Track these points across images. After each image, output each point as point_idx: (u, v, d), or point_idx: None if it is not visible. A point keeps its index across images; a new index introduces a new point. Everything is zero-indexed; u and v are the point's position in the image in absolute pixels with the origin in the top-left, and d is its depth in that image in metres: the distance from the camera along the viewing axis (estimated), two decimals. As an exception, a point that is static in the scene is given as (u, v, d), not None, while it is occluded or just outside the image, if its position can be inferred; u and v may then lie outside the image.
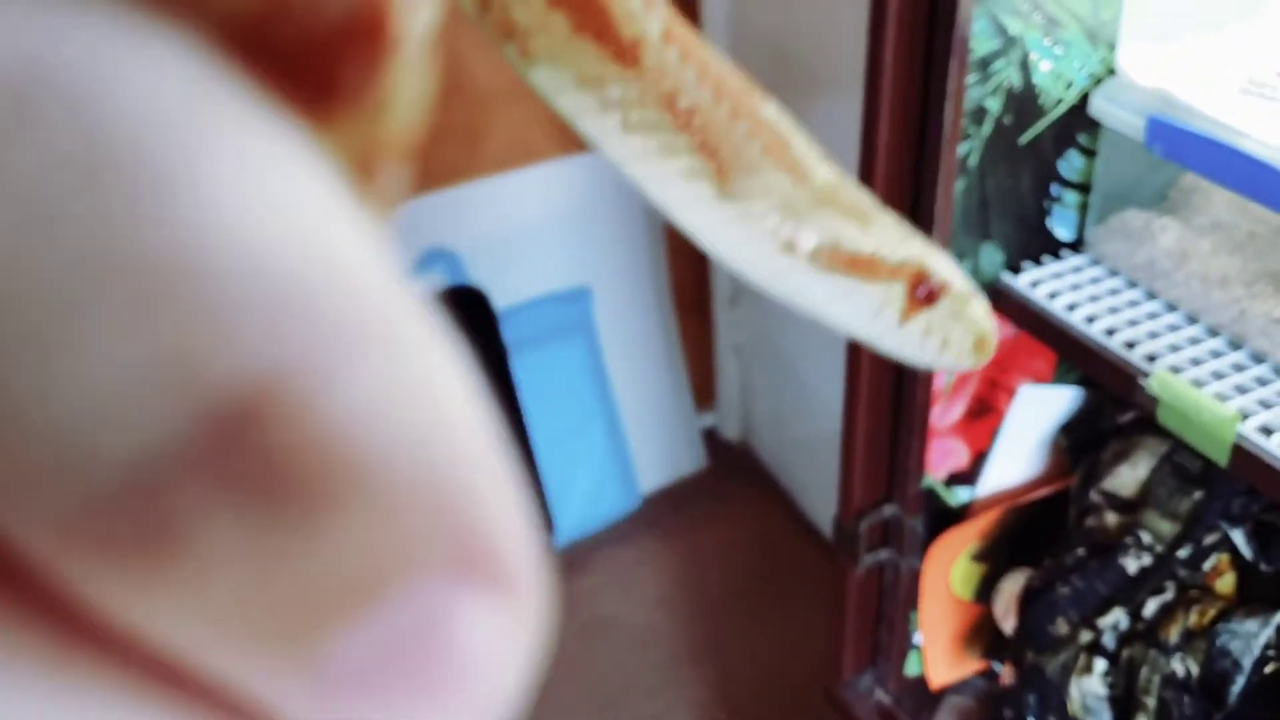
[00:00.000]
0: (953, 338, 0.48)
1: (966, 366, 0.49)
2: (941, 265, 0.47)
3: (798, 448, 2.36)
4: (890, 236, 0.46)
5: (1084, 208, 1.31)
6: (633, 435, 2.39)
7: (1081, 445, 1.40)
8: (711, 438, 2.60)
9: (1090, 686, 1.31)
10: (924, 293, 0.46)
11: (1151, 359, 1.16)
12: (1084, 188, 1.30)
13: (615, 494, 2.37)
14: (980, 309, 0.48)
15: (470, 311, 2.12)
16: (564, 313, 2.27)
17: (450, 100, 2.03)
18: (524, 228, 2.20)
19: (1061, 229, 1.31)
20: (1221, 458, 1.11)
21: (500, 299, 2.17)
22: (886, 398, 1.34)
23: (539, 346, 2.23)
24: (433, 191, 2.11)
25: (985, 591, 1.46)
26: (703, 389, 2.56)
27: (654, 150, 0.41)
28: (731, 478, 2.51)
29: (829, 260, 0.44)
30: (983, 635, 1.49)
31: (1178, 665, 1.25)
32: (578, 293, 2.28)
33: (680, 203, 0.43)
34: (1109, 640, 1.30)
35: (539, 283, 2.24)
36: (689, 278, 2.45)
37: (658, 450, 2.44)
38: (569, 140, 2.17)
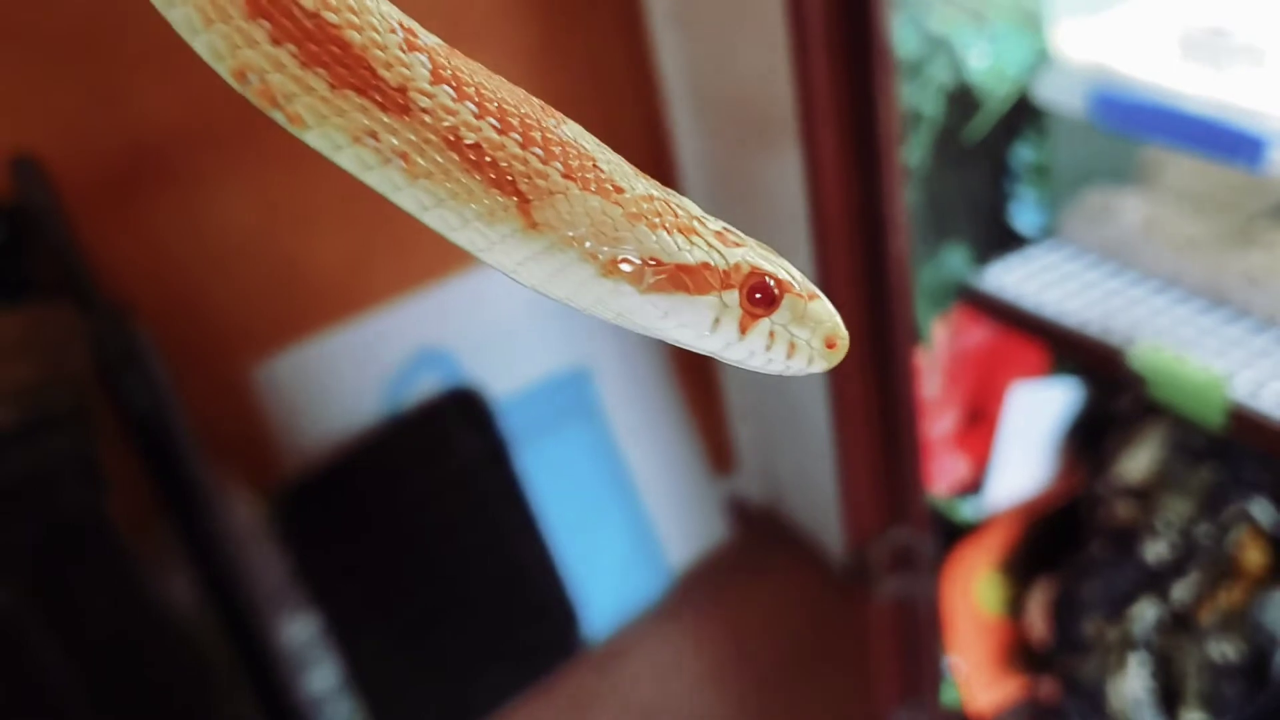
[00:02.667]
0: (800, 341, 0.47)
1: (821, 368, 0.48)
2: (775, 266, 0.46)
3: (826, 502, 2.37)
4: (717, 244, 0.45)
5: (1046, 196, 1.34)
6: (653, 513, 2.40)
7: (1087, 438, 1.41)
8: (735, 504, 2.60)
9: (1129, 685, 1.30)
10: (761, 298, 0.46)
11: (1132, 335, 1.18)
12: (1043, 175, 1.33)
13: (643, 577, 2.38)
14: (824, 306, 0.47)
15: (467, 411, 2.16)
16: (565, 395, 2.30)
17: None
18: (513, 315, 2.24)
19: (1025, 220, 1.34)
20: (1217, 422, 1.12)
21: (498, 389, 2.20)
22: (875, 415, 1.36)
23: (544, 434, 2.26)
24: (417, 291, 2.16)
25: (1017, 604, 1.46)
26: (719, 454, 2.58)
27: (447, 195, 0.41)
28: (760, 543, 2.52)
29: (654, 278, 0.44)
30: (1019, 651, 1.49)
31: (1214, 650, 1.25)
32: (576, 373, 2.32)
33: (488, 245, 0.43)
34: (1140, 633, 1.30)
35: (536, 368, 2.28)
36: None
37: (681, 525, 2.45)
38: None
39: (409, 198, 0.41)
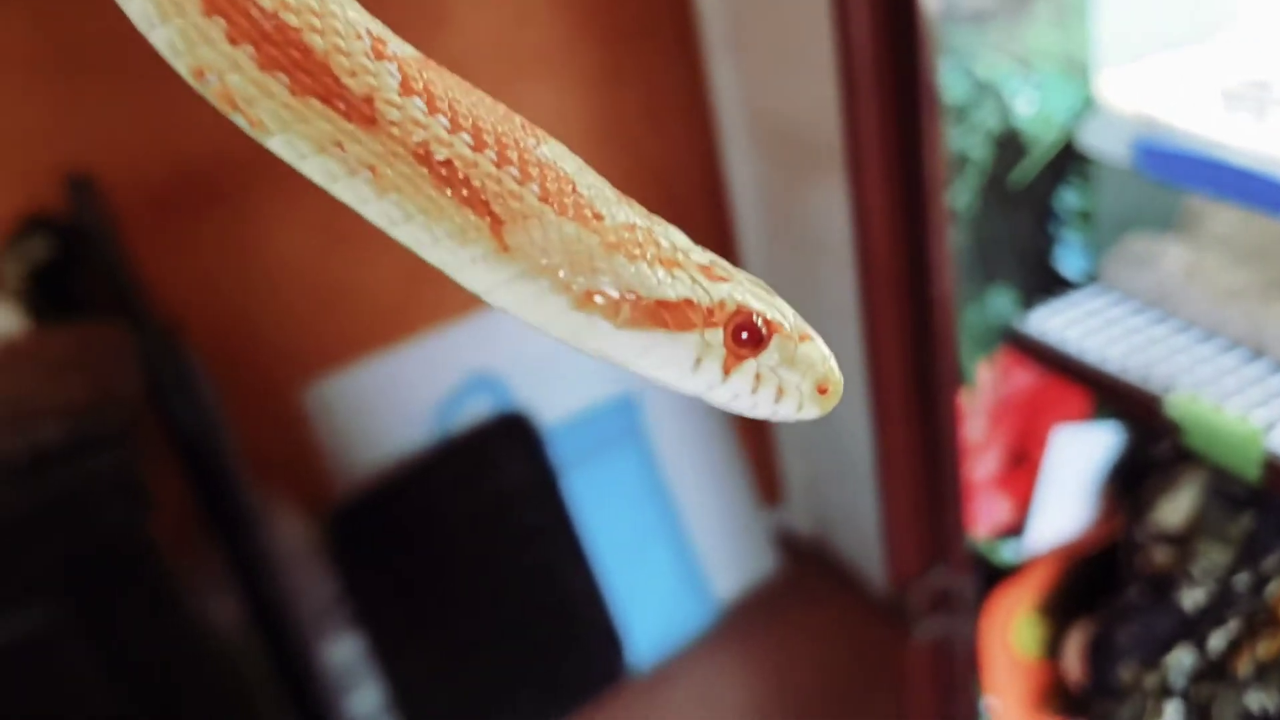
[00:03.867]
0: (789, 385, 0.45)
1: (813, 414, 0.46)
2: (765, 304, 0.45)
3: (873, 536, 2.40)
4: (702, 278, 0.44)
5: (1091, 241, 1.38)
6: (700, 543, 2.45)
7: (1128, 483, 1.45)
8: (782, 535, 2.64)
9: (1166, 732, 1.34)
10: (748, 337, 0.44)
11: (1170, 383, 1.22)
12: (1088, 221, 1.37)
13: (689, 607, 2.43)
14: (816, 349, 0.46)
15: (517, 436, 2.21)
16: (613, 423, 2.35)
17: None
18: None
19: (1070, 265, 1.38)
20: (1253, 474, 1.16)
21: (548, 415, 2.26)
22: (918, 457, 1.41)
23: (591, 461, 2.31)
24: (468, 316, 2.22)
25: (1054, 647, 1.50)
26: (768, 485, 2.62)
27: (417, 210, 0.40)
28: (807, 575, 2.56)
29: (631, 312, 0.42)
30: (1056, 694, 1.53)
31: (1253, 700, 1.29)
32: (625, 401, 2.37)
33: (459, 266, 0.42)
34: (1176, 681, 1.34)
35: (585, 395, 2.34)
36: (736, 370, 2.51)
37: (728, 555, 2.50)
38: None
39: (378, 211, 0.40)
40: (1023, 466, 1.45)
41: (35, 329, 1.68)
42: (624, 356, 0.44)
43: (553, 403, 2.29)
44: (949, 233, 1.28)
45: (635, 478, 2.38)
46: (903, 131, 1.26)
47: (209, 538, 1.85)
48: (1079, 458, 1.45)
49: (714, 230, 2.42)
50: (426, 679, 2.15)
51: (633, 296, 0.42)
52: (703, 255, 0.45)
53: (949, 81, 1.23)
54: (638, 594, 2.36)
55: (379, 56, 0.39)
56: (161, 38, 0.37)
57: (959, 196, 1.28)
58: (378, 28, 0.40)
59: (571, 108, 2.21)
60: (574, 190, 0.42)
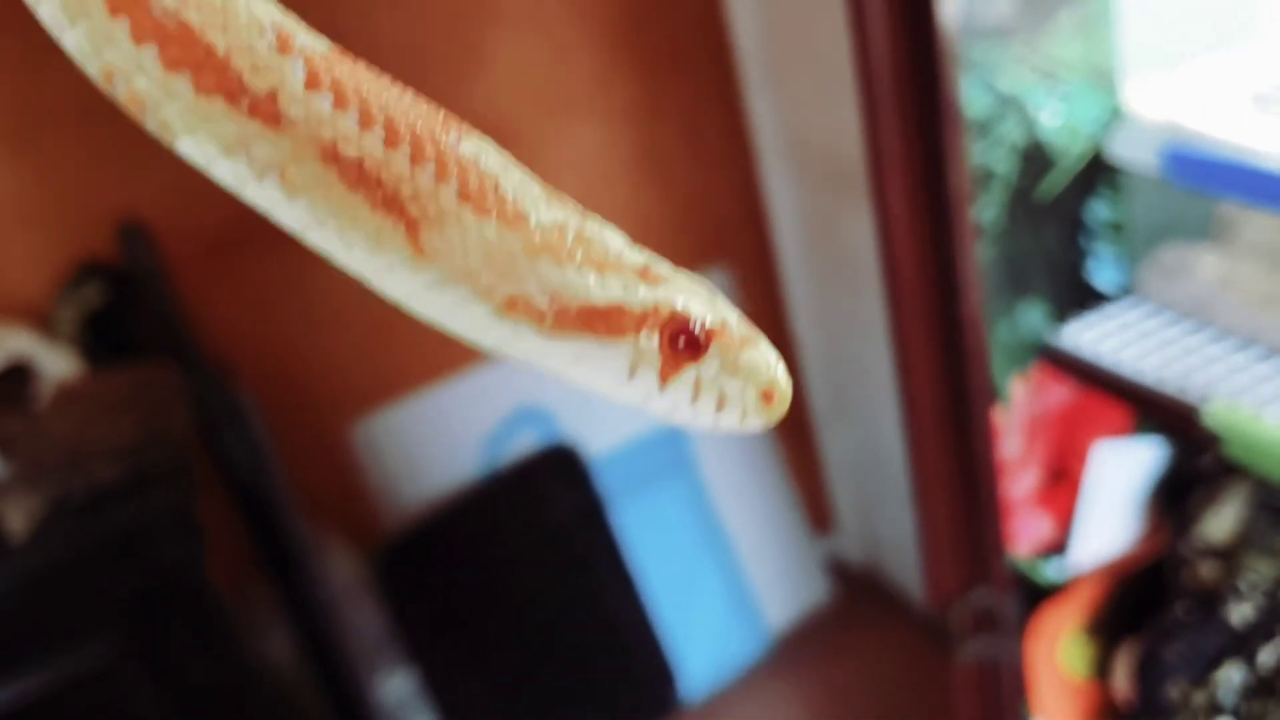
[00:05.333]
0: (730, 393, 0.42)
1: (757, 425, 0.43)
2: (705, 308, 0.42)
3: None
4: (636, 281, 0.41)
5: (1124, 253, 1.36)
6: (751, 573, 2.43)
7: (1172, 498, 1.42)
8: (834, 564, 2.61)
9: (1216, 751, 1.30)
10: (685, 344, 0.41)
11: (1208, 393, 1.19)
12: (1120, 232, 1.35)
13: (741, 637, 2.40)
14: (761, 354, 0.43)
15: (564, 468, 2.21)
16: (661, 453, 2.34)
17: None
18: (609, 372, 2.29)
19: (1103, 277, 1.36)
20: (1295, 483, 1.13)
21: (595, 447, 2.25)
22: (954, 475, 1.38)
23: (640, 492, 2.30)
24: (515, 350, 2.22)
25: (1103, 666, 1.46)
26: (818, 513, 2.59)
27: (329, 214, 0.38)
28: (860, 603, 2.53)
29: (557, 319, 0.40)
30: (1106, 714, 1.49)
31: (1306, 716, 1.25)
32: (672, 431, 2.36)
33: (374, 272, 0.40)
34: (1226, 698, 1.30)
35: (632, 426, 2.32)
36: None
37: (779, 585, 2.47)
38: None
39: (290, 216, 0.38)
40: (1062, 483, 1.42)
41: (90, 372, 1.70)
42: (554, 366, 0.41)
43: (600, 434, 2.28)
44: (976, 248, 1.26)
45: (684, 508, 2.36)
46: (925, 147, 1.24)
47: (262, 574, 1.86)
48: (1121, 473, 1.42)
49: (756, 258, 2.41)
50: (479, 713, 2.14)
51: (559, 302, 0.40)
52: (638, 256, 0.42)
53: (971, 95, 1.22)
54: (689, 625, 2.34)
55: (285, 51, 0.37)
56: (71, 41, 0.37)
57: (985, 211, 1.26)
58: (286, 21, 0.38)
59: (612, 142, 2.21)
60: (496, 189, 0.40)
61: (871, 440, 2.40)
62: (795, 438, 2.54)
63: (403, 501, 2.17)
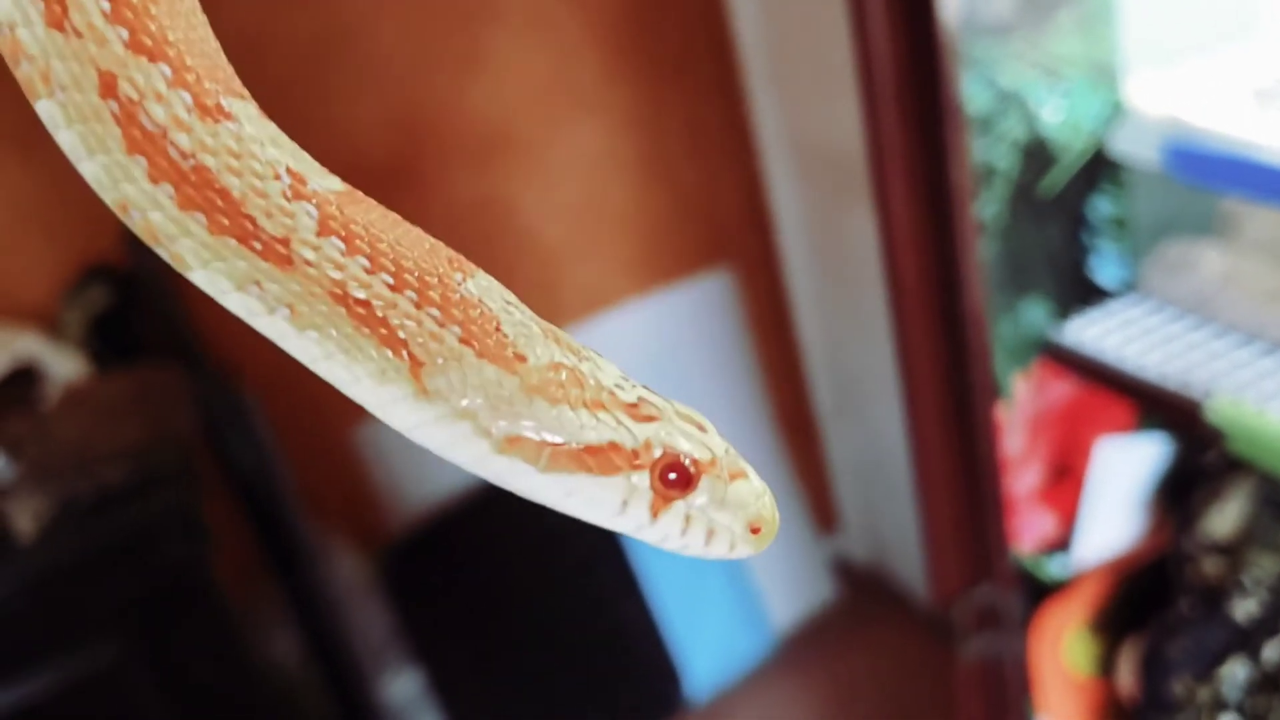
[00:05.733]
0: (719, 526, 0.44)
1: (745, 553, 0.45)
2: (694, 444, 0.43)
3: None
4: (627, 419, 0.43)
5: (1127, 249, 1.35)
6: (756, 573, 2.42)
7: (1176, 494, 1.41)
8: (839, 564, 2.61)
9: (1221, 747, 1.29)
10: (675, 479, 0.43)
11: (1211, 388, 1.19)
12: (1123, 228, 1.34)
13: (746, 637, 2.39)
14: (749, 487, 0.44)
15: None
16: (665, 454, 2.33)
17: (523, 259, 2.16)
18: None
19: (1106, 273, 1.35)
20: (1298, 477, 1.12)
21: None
22: (957, 472, 1.38)
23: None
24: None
25: (1107, 663, 1.46)
26: (823, 513, 2.59)
27: (336, 349, 0.40)
28: (865, 603, 2.52)
29: (553, 457, 0.41)
30: (1111, 712, 1.48)
31: (1310, 711, 1.24)
32: (678, 432, 2.35)
33: (379, 405, 0.41)
34: (1231, 694, 1.29)
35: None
36: (787, 396, 2.50)
37: (785, 585, 2.47)
38: (640, 283, 2.27)
39: (298, 348, 0.40)
40: (1066, 480, 1.41)
41: (96, 374, 1.70)
42: (549, 498, 0.42)
43: (605, 435, 2.27)
44: (978, 245, 1.26)
45: (689, 508, 2.35)
46: (927, 144, 1.24)
47: (268, 575, 1.86)
48: (1124, 470, 1.41)
49: (760, 258, 2.41)
50: (484, 713, 2.14)
51: (555, 440, 0.41)
52: (630, 393, 0.43)
53: (972, 92, 1.21)
54: (694, 625, 2.33)
55: (297, 196, 0.39)
56: (89, 171, 0.37)
57: (987, 208, 1.26)
58: (299, 162, 0.39)
59: (615, 143, 2.21)
60: (497, 329, 0.41)
61: (876, 440, 2.40)
62: (800, 438, 2.54)
63: (408, 503, 2.16)
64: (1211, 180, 1.21)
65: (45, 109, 0.38)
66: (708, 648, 2.35)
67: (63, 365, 1.70)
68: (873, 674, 2.36)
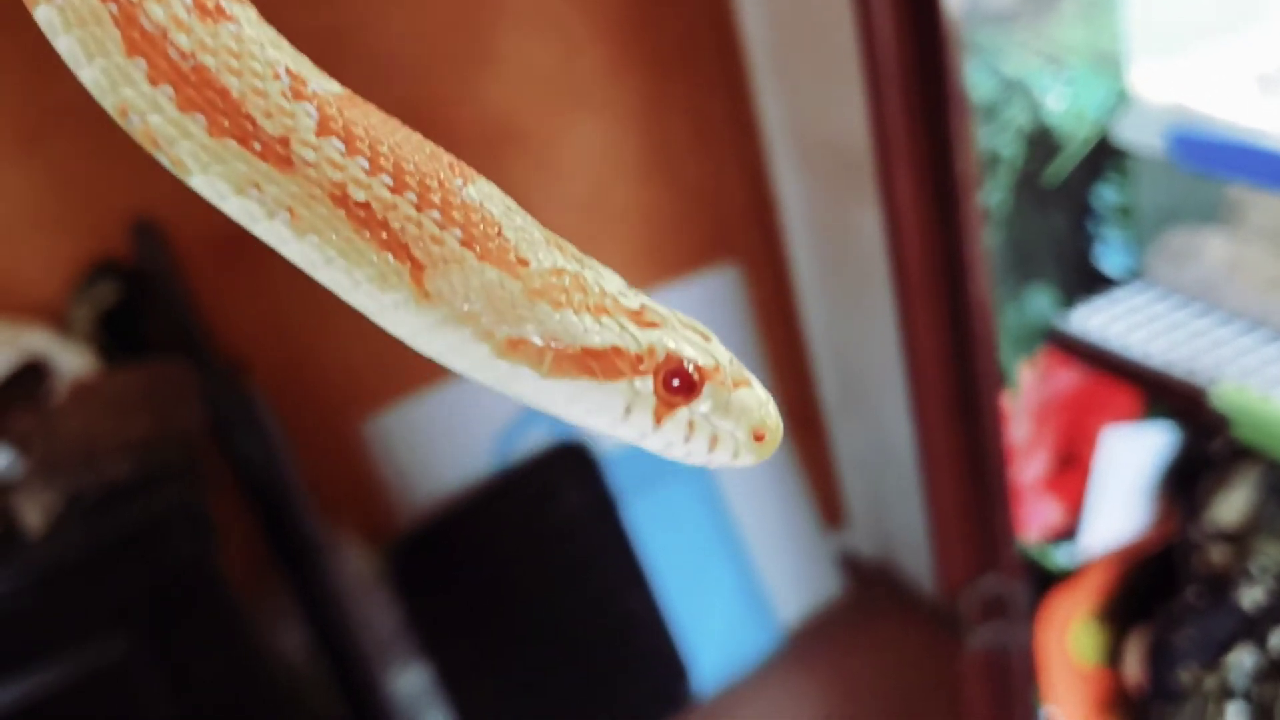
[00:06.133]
0: (723, 432, 0.43)
1: (749, 461, 0.44)
2: (698, 350, 0.43)
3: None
4: (631, 324, 0.42)
5: (1132, 237, 1.35)
6: (763, 568, 2.42)
7: (1183, 483, 1.41)
8: (846, 558, 2.60)
9: (1228, 735, 1.29)
10: (679, 384, 0.42)
11: (1216, 375, 1.18)
12: (1128, 216, 1.34)
13: (753, 632, 2.39)
14: (753, 394, 0.44)
15: (576, 465, 2.21)
16: (672, 450, 2.33)
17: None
18: (621, 369, 2.29)
19: (1111, 261, 1.35)
20: (1305, 463, 1.12)
21: (605, 443, 2.25)
22: (963, 461, 1.38)
23: (651, 488, 2.30)
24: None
25: (1114, 653, 1.45)
26: (829, 507, 2.59)
27: (336, 254, 0.39)
28: (872, 598, 2.52)
29: (555, 361, 0.41)
30: (1119, 701, 1.48)
31: (1318, 699, 1.24)
32: (683, 427, 2.35)
33: (379, 311, 0.40)
34: (1238, 682, 1.29)
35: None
36: (793, 391, 2.50)
37: (792, 580, 2.47)
38: (645, 278, 2.27)
39: (298, 253, 0.39)
40: (1072, 469, 1.41)
41: (104, 370, 1.70)
42: (551, 404, 0.42)
43: (612, 430, 2.27)
44: (983, 233, 1.26)
45: (695, 504, 2.35)
46: (931, 132, 1.24)
47: (275, 570, 1.86)
48: (1131, 458, 1.41)
49: (765, 253, 2.40)
50: (491, 707, 2.13)
51: (558, 344, 0.41)
52: (634, 300, 0.43)
53: (976, 80, 1.21)
54: (701, 620, 2.33)
55: (297, 96, 0.38)
56: (88, 76, 0.37)
57: (991, 195, 1.26)
58: (299, 65, 0.39)
59: (620, 138, 2.21)
60: (499, 233, 0.41)
61: (882, 434, 2.39)
62: (806, 432, 2.53)
63: (415, 498, 2.17)
64: (1216, 167, 1.20)
65: (44, 15, 0.37)
66: (714, 642, 2.35)
67: (70, 361, 1.70)
68: (880, 668, 2.35)
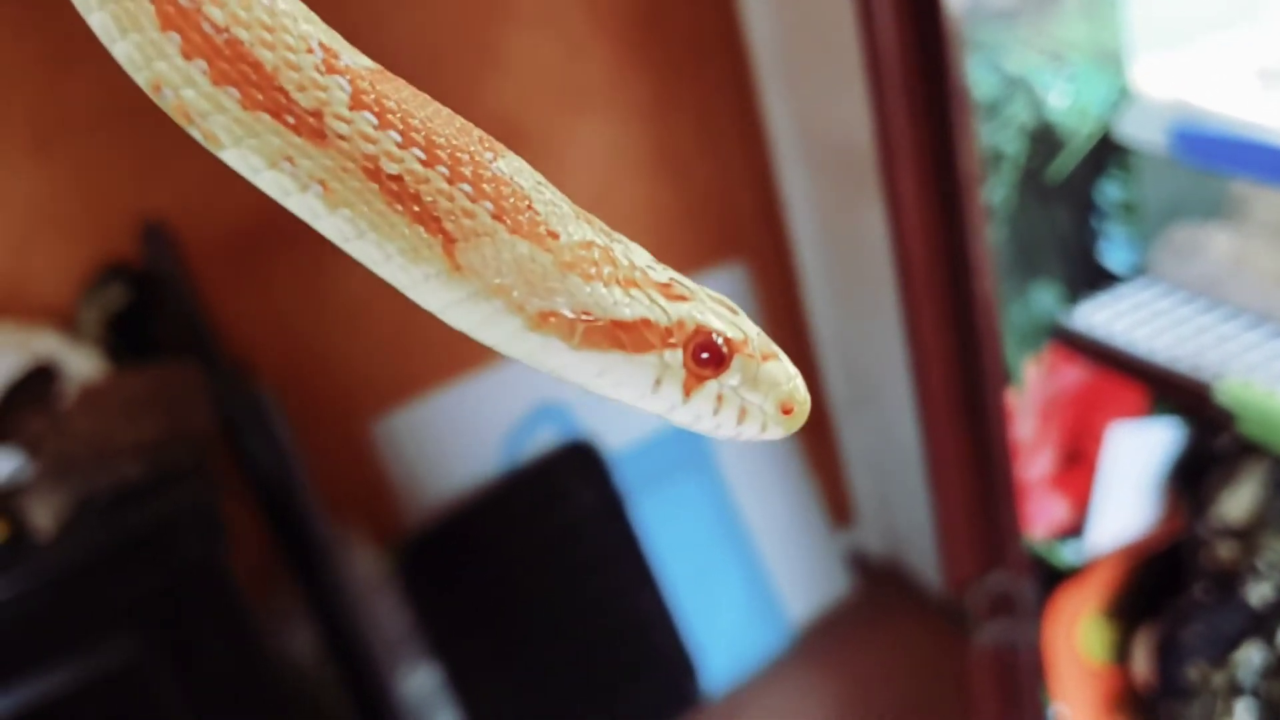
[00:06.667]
0: (751, 406, 0.43)
1: (777, 434, 0.44)
2: (726, 323, 0.43)
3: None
4: (660, 297, 0.42)
5: (1136, 233, 1.35)
6: (771, 566, 2.42)
7: (1189, 479, 1.41)
8: (855, 556, 2.60)
9: (1236, 732, 1.29)
10: (709, 358, 0.43)
11: (1221, 370, 1.18)
12: (1132, 212, 1.34)
13: (762, 630, 2.39)
14: (781, 368, 0.44)
15: (584, 465, 2.21)
16: (680, 448, 2.34)
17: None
18: (629, 369, 2.29)
19: (1116, 258, 1.35)
20: (1310, 459, 1.11)
21: (614, 442, 2.25)
22: (968, 459, 1.38)
23: (659, 487, 2.30)
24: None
25: (1123, 650, 1.45)
26: (838, 506, 2.58)
27: (368, 227, 0.39)
28: (881, 595, 2.51)
29: (586, 334, 0.41)
30: (1128, 699, 1.48)
31: (1326, 694, 1.23)
32: (691, 427, 2.35)
33: (411, 284, 0.40)
34: (1246, 679, 1.28)
35: (651, 421, 2.32)
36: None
37: (800, 578, 2.46)
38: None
39: (330, 226, 0.40)
40: (1078, 465, 1.41)
41: (113, 372, 1.71)
42: (581, 377, 0.42)
43: (619, 430, 2.28)
44: (987, 230, 1.26)
45: (704, 502, 2.35)
46: (934, 130, 1.24)
47: (285, 571, 1.87)
48: (1137, 455, 1.41)
49: (773, 252, 2.40)
50: (502, 707, 2.14)
51: (588, 317, 0.41)
52: (662, 273, 0.43)
53: (978, 78, 1.21)
54: (710, 619, 2.33)
55: (330, 70, 0.39)
56: (121, 52, 0.37)
57: (995, 192, 1.26)
58: (331, 39, 0.40)
59: (627, 139, 2.21)
60: (529, 207, 0.41)
61: (890, 432, 2.39)
62: (814, 431, 2.53)
63: (424, 498, 2.17)
64: (1218, 163, 1.20)
65: None
66: (724, 642, 2.35)
67: (80, 364, 1.71)
68: (889, 666, 2.35)
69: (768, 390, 0.44)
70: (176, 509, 1.54)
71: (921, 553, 2.46)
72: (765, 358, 0.44)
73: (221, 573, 1.59)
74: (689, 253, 2.32)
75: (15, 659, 1.48)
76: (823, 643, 2.43)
